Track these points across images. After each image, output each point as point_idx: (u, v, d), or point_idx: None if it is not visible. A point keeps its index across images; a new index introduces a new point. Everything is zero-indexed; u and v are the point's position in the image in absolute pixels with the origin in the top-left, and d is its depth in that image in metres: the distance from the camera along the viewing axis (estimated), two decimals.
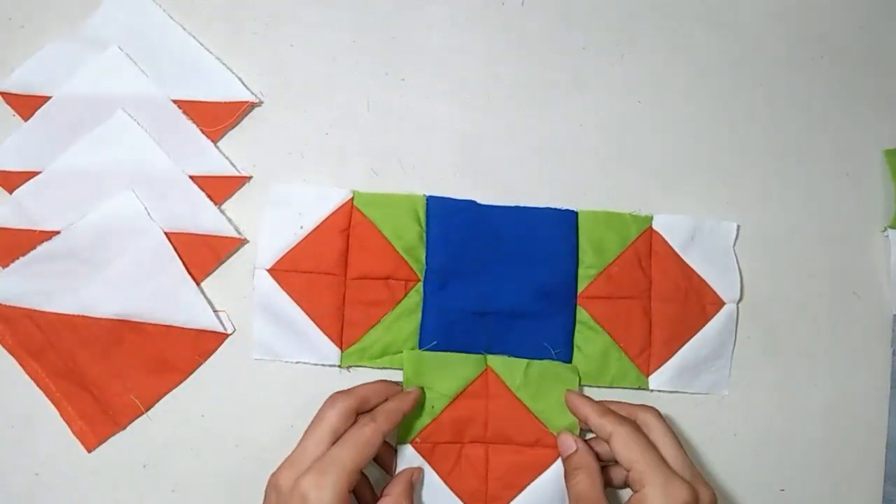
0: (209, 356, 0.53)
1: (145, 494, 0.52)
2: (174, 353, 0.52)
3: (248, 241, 0.54)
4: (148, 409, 0.52)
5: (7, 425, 0.52)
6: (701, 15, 0.60)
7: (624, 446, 0.47)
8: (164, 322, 0.52)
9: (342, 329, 0.53)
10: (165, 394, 0.52)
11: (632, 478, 0.47)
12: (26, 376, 0.52)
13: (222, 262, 0.54)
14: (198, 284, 0.53)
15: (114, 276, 0.52)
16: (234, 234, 0.53)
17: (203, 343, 0.53)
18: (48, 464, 0.52)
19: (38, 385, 0.52)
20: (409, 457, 0.51)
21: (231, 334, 0.53)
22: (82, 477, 0.52)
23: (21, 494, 0.51)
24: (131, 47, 0.54)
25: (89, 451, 0.52)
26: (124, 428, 0.52)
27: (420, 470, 0.51)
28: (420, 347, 0.53)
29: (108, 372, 0.52)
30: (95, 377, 0.52)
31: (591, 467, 0.49)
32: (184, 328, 0.52)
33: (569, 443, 0.51)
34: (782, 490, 0.56)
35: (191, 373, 0.53)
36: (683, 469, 0.47)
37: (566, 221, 0.55)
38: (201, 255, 0.53)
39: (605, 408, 0.51)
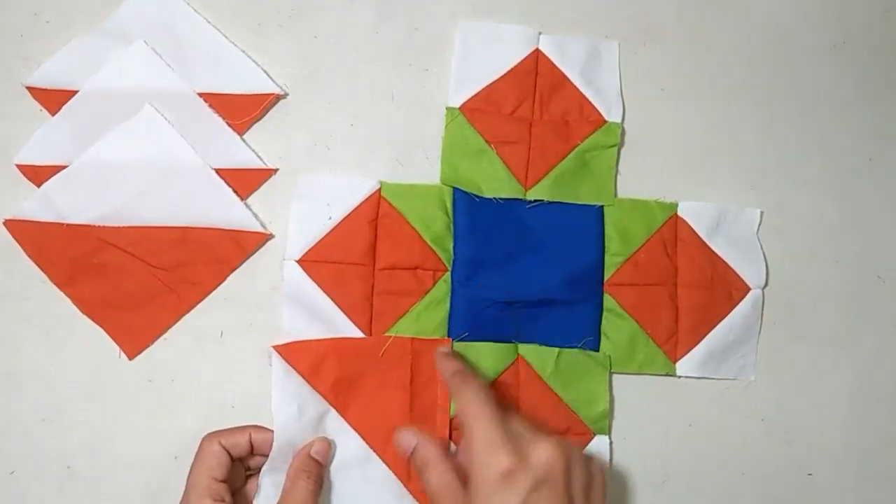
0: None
1: (177, 486, 0.52)
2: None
3: (273, 237, 0.54)
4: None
5: (38, 418, 0.52)
6: (721, 1, 0.60)
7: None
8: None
9: (371, 319, 0.53)
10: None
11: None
12: (55, 369, 0.52)
13: (249, 257, 0.54)
14: (224, 279, 0.53)
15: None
16: (260, 230, 0.53)
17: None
18: (79, 456, 0.52)
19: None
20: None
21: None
22: (114, 469, 0.52)
23: (53, 487, 0.52)
24: (157, 41, 0.54)
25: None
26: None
27: (324, 441, 0.50)
28: (449, 337, 0.53)
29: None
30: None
31: (437, 458, 0.45)
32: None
33: (406, 440, 0.47)
34: (810, 475, 0.57)
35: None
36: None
37: (592, 209, 0.55)
38: (227, 250, 0.53)
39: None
